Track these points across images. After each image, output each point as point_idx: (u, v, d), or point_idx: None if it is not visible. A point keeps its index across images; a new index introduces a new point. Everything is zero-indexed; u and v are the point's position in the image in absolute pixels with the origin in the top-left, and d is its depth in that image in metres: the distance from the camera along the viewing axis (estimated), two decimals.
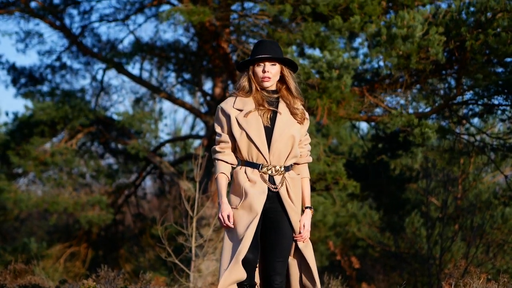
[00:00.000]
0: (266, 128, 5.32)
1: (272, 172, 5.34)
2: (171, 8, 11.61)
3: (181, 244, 10.25)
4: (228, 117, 5.36)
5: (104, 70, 16.22)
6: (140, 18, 16.88)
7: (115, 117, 16.70)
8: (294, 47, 11.55)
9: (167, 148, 19.54)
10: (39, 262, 14.17)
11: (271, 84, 5.37)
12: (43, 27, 16.25)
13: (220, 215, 5.25)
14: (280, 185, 5.35)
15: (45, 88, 15.96)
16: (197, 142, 19.46)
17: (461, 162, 14.71)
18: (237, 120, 5.33)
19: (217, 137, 5.48)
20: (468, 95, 11.39)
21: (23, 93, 15.95)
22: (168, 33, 31.65)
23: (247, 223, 5.20)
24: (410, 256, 15.92)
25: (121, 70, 15.07)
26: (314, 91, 10.37)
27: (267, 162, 5.34)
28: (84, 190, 17.63)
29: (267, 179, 5.33)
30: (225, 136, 5.37)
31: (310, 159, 5.55)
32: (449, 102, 11.35)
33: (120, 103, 24.67)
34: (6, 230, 19.79)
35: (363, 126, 27.97)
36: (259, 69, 5.36)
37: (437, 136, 11.21)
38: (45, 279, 9.85)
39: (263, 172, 5.34)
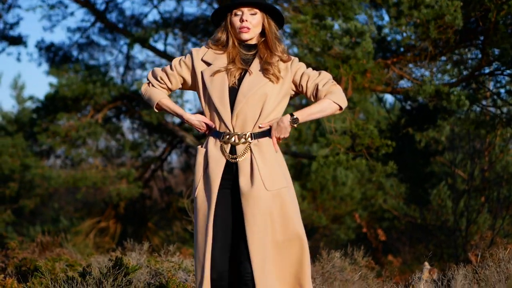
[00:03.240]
0: (231, 89, 4.38)
1: (235, 140, 4.34)
2: None
3: None
4: (191, 67, 4.48)
5: (129, 45, 16.26)
6: None
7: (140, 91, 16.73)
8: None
9: None
10: (68, 237, 14.31)
11: (250, 36, 4.45)
12: (67, 3, 16.26)
13: (195, 124, 4.44)
14: (241, 156, 4.34)
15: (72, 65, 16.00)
16: None
17: (487, 137, 14.63)
18: (202, 76, 4.45)
19: (165, 67, 4.56)
20: (494, 65, 11.30)
21: (51, 71, 15.99)
22: (192, 8, 31.66)
23: (205, 217, 4.32)
24: (436, 228, 15.90)
25: (145, 45, 15.11)
26: (336, 60, 10.31)
27: (229, 129, 4.35)
28: (110, 165, 17.74)
29: (227, 150, 4.36)
30: (174, 76, 4.49)
31: (334, 89, 4.38)
32: (475, 73, 11.28)
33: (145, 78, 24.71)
34: (34, 205, 19.96)
35: (390, 99, 27.85)
36: (236, 19, 4.44)
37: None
38: (73, 251, 9.96)
39: (223, 142, 4.36)
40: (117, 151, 17.69)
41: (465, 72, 11.60)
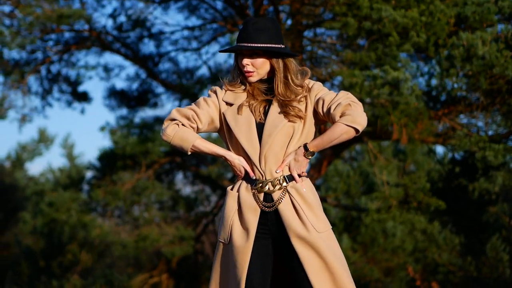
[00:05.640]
0: (259, 125, 4.02)
1: (269, 188, 3.97)
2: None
3: None
4: (218, 106, 4.13)
5: (180, 100, 16.40)
6: (213, 47, 17.19)
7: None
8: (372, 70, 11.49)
9: None
10: None
11: (256, 79, 4.05)
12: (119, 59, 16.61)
13: (236, 165, 4.04)
14: (278, 202, 3.96)
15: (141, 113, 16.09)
16: None
17: None
18: (225, 117, 4.07)
19: (192, 106, 4.17)
20: None
21: (109, 129, 16.08)
22: None
23: (239, 267, 3.93)
24: (492, 281, 15.62)
25: (196, 100, 15.25)
26: (385, 107, 10.26)
27: (261, 174, 3.99)
28: (163, 220, 17.81)
29: (261, 199, 3.98)
30: (204, 115, 4.09)
31: (347, 110, 3.88)
32: None
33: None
34: (85, 261, 20.09)
35: (440, 150, 27.68)
36: (240, 62, 4.05)
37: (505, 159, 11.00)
38: None
39: (256, 190, 3.99)
40: (170, 207, 17.76)
41: None
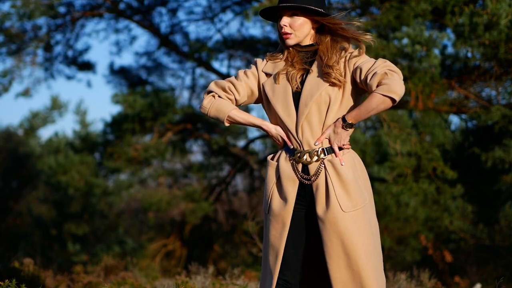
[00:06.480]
0: (295, 94, 3.92)
1: (306, 159, 3.89)
2: (258, 6, 11.66)
3: None
4: (257, 77, 4.06)
5: (194, 69, 16.40)
6: (227, 16, 17.26)
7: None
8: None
9: (256, 145, 19.62)
10: (134, 260, 14.45)
11: (294, 41, 3.94)
12: (133, 27, 16.54)
13: (273, 134, 3.99)
14: (315, 176, 3.89)
15: (148, 88, 16.14)
16: None
17: None
18: (263, 88, 4.01)
19: (231, 78, 4.12)
20: None
21: (117, 96, 16.12)
22: (255, 30, 31.81)
23: (278, 236, 3.90)
24: (504, 250, 15.61)
25: (210, 68, 15.22)
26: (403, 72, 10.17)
27: (298, 144, 3.90)
28: (176, 187, 17.86)
29: (300, 169, 3.90)
30: (242, 86, 4.05)
31: (383, 79, 3.75)
32: None
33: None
34: (100, 230, 20.18)
35: (455, 120, 27.55)
36: (278, 25, 3.95)
37: None
38: (138, 275, 10.00)
39: (294, 160, 3.92)
40: (183, 173, 17.81)
41: None
